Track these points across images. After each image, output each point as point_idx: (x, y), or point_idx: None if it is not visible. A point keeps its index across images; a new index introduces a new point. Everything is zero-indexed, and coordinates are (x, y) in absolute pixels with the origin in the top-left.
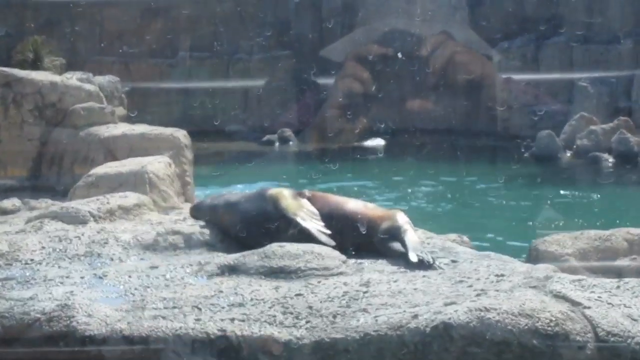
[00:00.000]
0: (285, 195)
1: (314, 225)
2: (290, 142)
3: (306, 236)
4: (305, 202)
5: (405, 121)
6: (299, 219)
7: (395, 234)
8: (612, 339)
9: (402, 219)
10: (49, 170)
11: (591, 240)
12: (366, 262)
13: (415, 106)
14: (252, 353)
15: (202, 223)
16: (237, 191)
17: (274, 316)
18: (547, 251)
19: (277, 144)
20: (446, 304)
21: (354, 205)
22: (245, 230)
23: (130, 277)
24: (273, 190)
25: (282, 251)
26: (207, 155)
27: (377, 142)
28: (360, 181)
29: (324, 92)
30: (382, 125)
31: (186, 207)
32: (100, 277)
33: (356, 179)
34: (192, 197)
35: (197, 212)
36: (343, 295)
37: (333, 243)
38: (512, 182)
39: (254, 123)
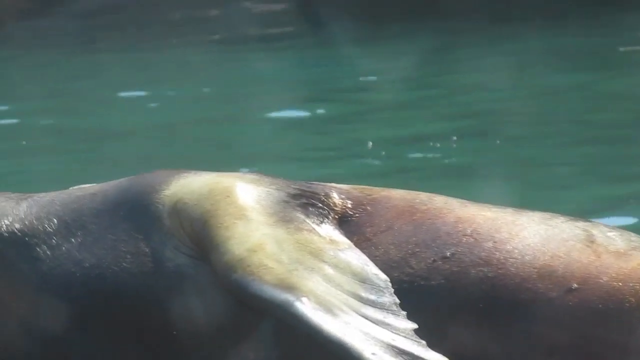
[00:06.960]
0: (242, 204)
1: (375, 331)
2: None
3: None
4: (327, 233)
5: None
6: (299, 305)
7: None
8: None
9: None
10: None
11: None
12: None
13: None
14: None
15: None
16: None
17: None
18: None
19: None
20: None
21: (540, 239)
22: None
23: None
24: (181, 185)
25: None
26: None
27: None
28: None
29: None
30: None
31: None
32: None
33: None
34: None
35: None
36: None
37: None
38: None
39: None
